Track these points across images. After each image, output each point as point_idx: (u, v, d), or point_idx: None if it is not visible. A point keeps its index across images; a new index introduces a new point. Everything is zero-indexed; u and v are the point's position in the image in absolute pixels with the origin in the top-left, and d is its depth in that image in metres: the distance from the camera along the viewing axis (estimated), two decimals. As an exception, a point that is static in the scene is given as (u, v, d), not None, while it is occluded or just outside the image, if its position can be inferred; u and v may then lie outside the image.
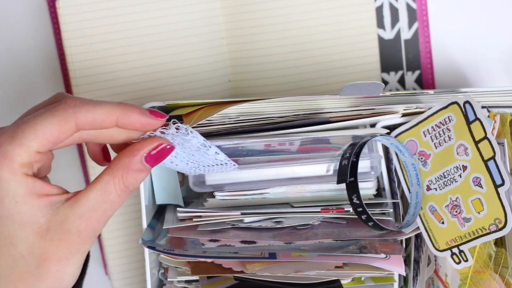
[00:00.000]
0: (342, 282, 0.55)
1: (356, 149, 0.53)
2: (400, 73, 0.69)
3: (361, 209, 0.52)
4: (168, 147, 0.46)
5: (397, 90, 0.69)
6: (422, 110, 0.56)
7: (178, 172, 0.59)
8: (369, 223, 0.53)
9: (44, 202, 0.43)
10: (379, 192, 0.58)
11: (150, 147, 0.45)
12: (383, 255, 0.54)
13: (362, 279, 0.58)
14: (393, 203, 0.57)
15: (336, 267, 0.54)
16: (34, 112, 0.44)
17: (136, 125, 0.45)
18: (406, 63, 0.69)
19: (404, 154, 0.55)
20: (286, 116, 0.55)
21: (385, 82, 0.69)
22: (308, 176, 0.55)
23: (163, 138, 0.46)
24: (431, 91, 0.57)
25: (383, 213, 0.56)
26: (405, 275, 0.56)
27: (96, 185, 0.44)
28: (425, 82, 0.69)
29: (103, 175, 0.44)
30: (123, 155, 0.45)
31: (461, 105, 0.53)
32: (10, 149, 0.42)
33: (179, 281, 0.57)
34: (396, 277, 0.57)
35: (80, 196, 0.44)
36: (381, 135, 0.55)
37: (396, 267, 0.53)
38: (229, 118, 0.55)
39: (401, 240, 0.56)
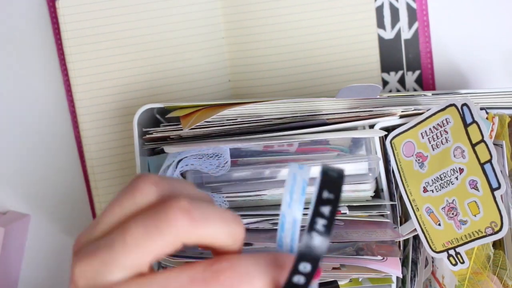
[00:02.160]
0: (340, 283, 0.55)
1: None
2: (400, 73, 0.69)
3: None
4: None
5: (397, 90, 0.69)
6: (420, 111, 0.56)
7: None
8: None
9: None
10: (377, 193, 0.58)
11: None
12: (380, 257, 0.54)
13: (360, 280, 0.58)
14: (391, 204, 0.57)
15: (333, 268, 0.54)
16: None
17: None
18: (406, 63, 0.69)
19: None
20: (284, 118, 0.55)
21: (385, 82, 0.69)
22: (306, 178, 0.55)
23: None
24: (429, 93, 0.57)
25: (382, 215, 0.56)
26: (401, 277, 0.56)
27: None
28: (425, 82, 0.69)
29: None
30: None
31: (459, 107, 0.53)
32: None
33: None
34: (394, 278, 0.57)
35: None
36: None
37: (393, 269, 0.53)
38: (227, 120, 0.55)
39: (399, 242, 0.56)
